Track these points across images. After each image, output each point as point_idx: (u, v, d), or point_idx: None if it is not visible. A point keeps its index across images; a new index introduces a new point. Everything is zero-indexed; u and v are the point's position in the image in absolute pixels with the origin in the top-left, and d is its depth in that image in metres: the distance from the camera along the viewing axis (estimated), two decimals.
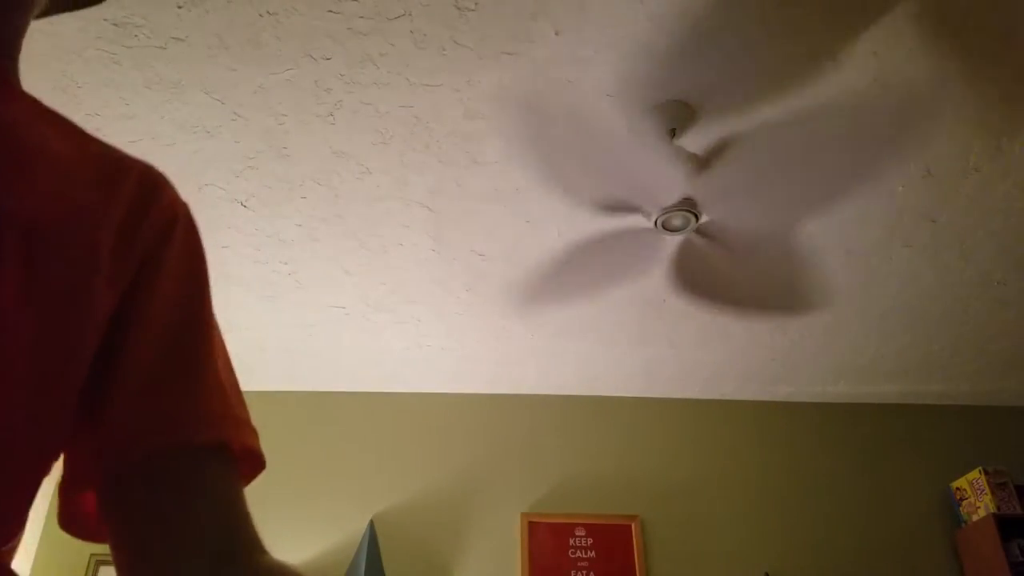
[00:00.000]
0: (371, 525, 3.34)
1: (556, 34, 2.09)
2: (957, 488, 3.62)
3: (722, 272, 2.97)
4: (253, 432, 0.54)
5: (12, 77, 0.54)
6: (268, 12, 2.02)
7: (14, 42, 0.56)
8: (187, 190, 2.61)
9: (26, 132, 0.49)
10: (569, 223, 2.74)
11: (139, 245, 0.51)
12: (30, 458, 0.44)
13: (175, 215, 0.54)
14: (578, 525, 3.50)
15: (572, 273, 2.99)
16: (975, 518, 3.47)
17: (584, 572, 3.40)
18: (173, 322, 0.52)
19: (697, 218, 2.65)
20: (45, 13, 0.57)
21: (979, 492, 3.50)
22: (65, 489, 0.49)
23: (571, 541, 3.46)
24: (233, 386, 0.55)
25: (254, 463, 0.54)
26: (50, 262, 0.45)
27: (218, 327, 0.56)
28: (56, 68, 2.15)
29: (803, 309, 3.23)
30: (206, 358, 0.53)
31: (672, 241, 2.78)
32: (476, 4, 2.01)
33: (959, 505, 3.60)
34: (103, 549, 3.26)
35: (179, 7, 2.00)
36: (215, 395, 0.52)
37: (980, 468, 3.51)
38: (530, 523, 3.47)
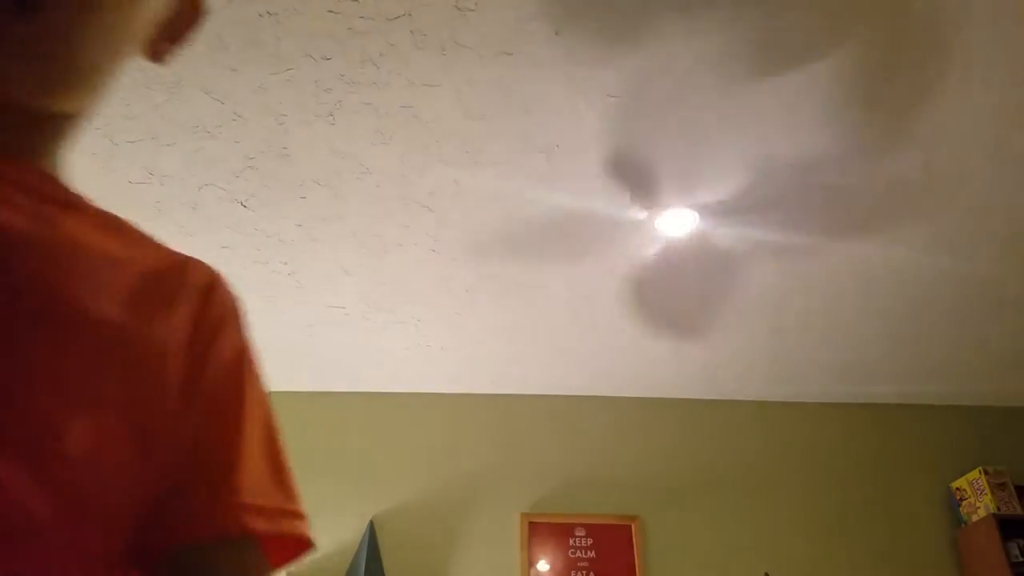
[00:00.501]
0: (371, 525, 3.34)
1: (556, 34, 2.08)
2: (957, 488, 3.62)
3: (718, 275, 2.97)
4: (290, 517, 0.54)
5: (67, 184, 0.55)
6: (268, 12, 2.02)
7: (65, 133, 0.55)
8: (187, 190, 2.62)
9: (90, 244, 0.50)
10: (569, 223, 2.74)
11: (201, 340, 0.53)
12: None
13: (226, 313, 0.56)
14: (578, 525, 3.50)
15: (573, 274, 3.00)
16: (975, 518, 3.47)
17: (584, 572, 3.40)
18: (206, 422, 0.53)
19: (694, 220, 2.65)
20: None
21: (979, 492, 3.50)
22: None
23: (571, 541, 3.46)
24: (273, 470, 0.55)
25: (295, 546, 0.55)
26: (125, 364, 0.47)
27: (264, 405, 0.57)
28: None
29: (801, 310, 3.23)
30: (240, 448, 0.54)
31: (672, 241, 2.78)
32: (476, 4, 2.01)
33: (959, 505, 3.60)
34: None
35: None
36: (241, 487, 0.53)
37: (980, 468, 3.51)
38: (530, 523, 3.47)
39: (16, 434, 0.41)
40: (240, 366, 0.56)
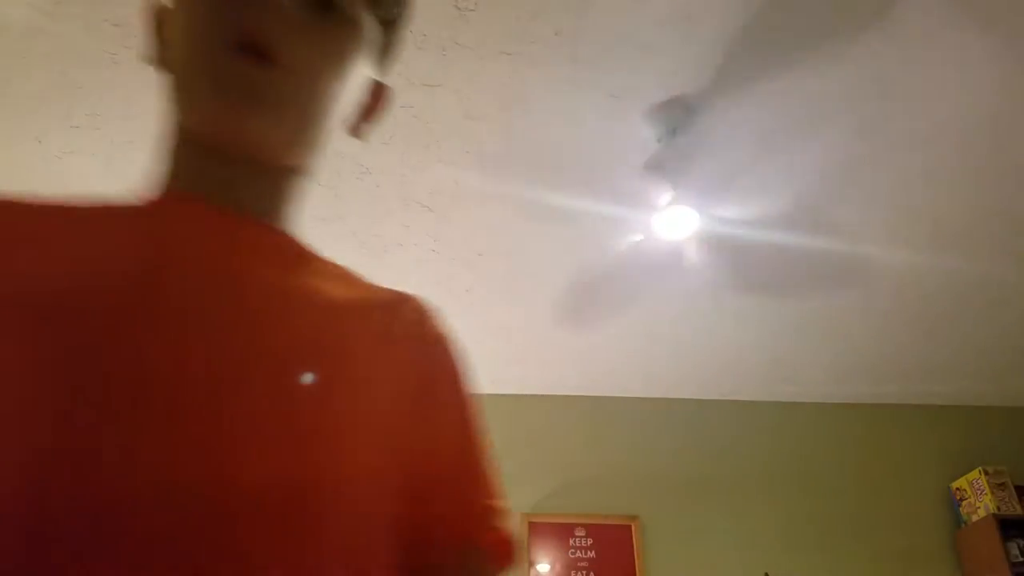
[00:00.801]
0: None
1: (556, 34, 2.09)
2: (957, 488, 3.62)
3: (718, 275, 2.98)
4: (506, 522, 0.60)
5: (303, 241, 0.62)
6: None
7: (293, 190, 0.63)
8: None
9: (331, 294, 0.58)
10: (569, 223, 2.74)
11: (422, 369, 0.59)
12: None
13: (442, 339, 0.63)
14: (578, 525, 3.50)
15: (572, 274, 3.00)
16: (975, 518, 3.47)
17: (584, 572, 3.41)
18: (459, 424, 0.61)
19: (695, 220, 2.65)
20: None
21: (979, 492, 3.50)
22: None
23: (571, 541, 3.46)
24: (494, 479, 0.62)
25: (511, 549, 0.60)
26: (376, 395, 0.55)
27: (479, 417, 0.63)
28: (57, 68, 2.15)
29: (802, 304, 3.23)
30: (479, 460, 0.62)
31: (672, 241, 2.78)
32: (476, 4, 2.01)
33: (959, 505, 3.60)
34: None
35: None
36: (490, 488, 0.61)
37: (980, 468, 3.51)
38: (530, 523, 3.47)
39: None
40: (460, 383, 0.63)
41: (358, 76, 0.62)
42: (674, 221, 2.65)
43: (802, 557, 3.46)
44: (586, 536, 3.48)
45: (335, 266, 0.62)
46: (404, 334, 0.60)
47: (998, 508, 3.40)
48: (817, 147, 2.45)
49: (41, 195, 0.55)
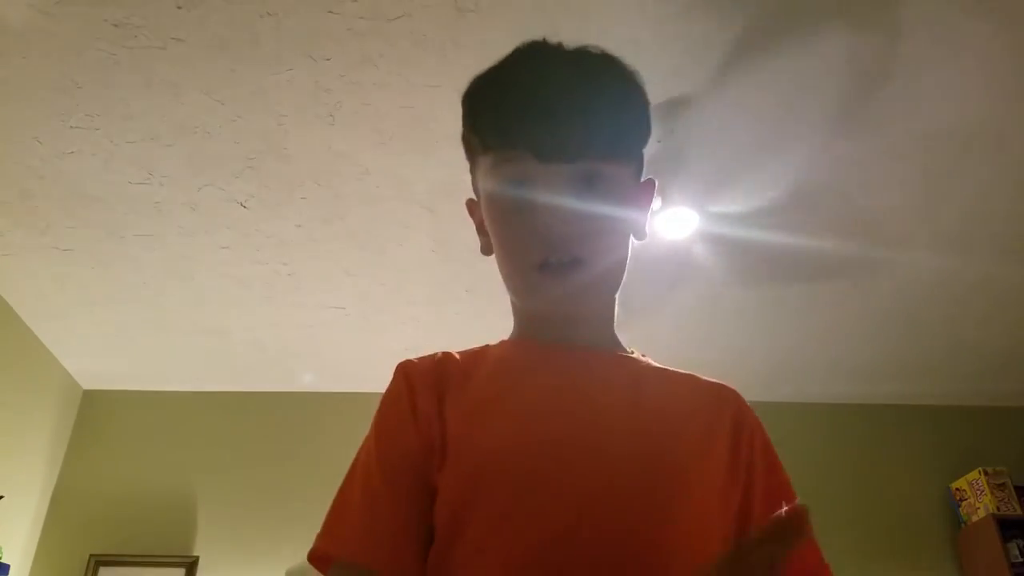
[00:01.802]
0: None
1: (556, 34, 2.08)
2: (957, 489, 3.62)
3: (718, 275, 2.98)
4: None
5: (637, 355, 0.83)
6: (268, 13, 2.02)
7: (612, 314, 0.82)
8: (187, 190, 2.62)
9: (666, 398, 0.75)
10: None
11: (743, 451, 0.75)
12: None
13: (755, 422, 0.79)
14: None
15: None
16: (975, 519, 3.47)
17: None
18: (783, 496, 0.74)
19: (694, 220, 2.65)
20: None
21: (979, 493, 3.49)
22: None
23: None
24: None
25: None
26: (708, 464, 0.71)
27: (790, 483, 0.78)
28: (56, 68, 2.15)
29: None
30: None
31: (672, 241, 2.78)
32: (476, 5, 2.01)
33: (959, 506, 3.60)
34: (103, 549, 3.26)
35: (179, 8, 2.00)
36: (818, 552, 0.76)
37: (980, 469, 3.51)
38: None
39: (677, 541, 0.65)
40: (774, 455, 0.78)
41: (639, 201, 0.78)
42: (673, 221, 2.65)
43: None
44: None
45: (664, 369, 0.81)
46: (729, 418, 0.76)
47: (998, 508, 3.39)
48: (816, 147, 2.45)
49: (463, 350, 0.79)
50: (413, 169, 2.50)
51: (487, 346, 0.82)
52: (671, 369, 0.81)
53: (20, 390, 3.21)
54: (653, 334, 3.40)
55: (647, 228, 0.81)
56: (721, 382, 0.81)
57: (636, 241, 0.80)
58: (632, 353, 0.82)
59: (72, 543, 3.29)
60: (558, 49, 0.78)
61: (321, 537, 0.71)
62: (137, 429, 3.59)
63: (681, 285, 3.03)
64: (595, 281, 0.74)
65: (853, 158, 2.50)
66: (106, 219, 2.68)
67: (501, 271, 0.79)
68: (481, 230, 0.84)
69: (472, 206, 0.87)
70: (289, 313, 3.18)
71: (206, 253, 2.84)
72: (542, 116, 0.72)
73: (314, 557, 0.70)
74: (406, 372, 0.75)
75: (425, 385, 0.72)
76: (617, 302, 0.82)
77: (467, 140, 0.83)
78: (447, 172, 2.51)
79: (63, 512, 3.40)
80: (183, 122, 2.32)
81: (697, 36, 2.11)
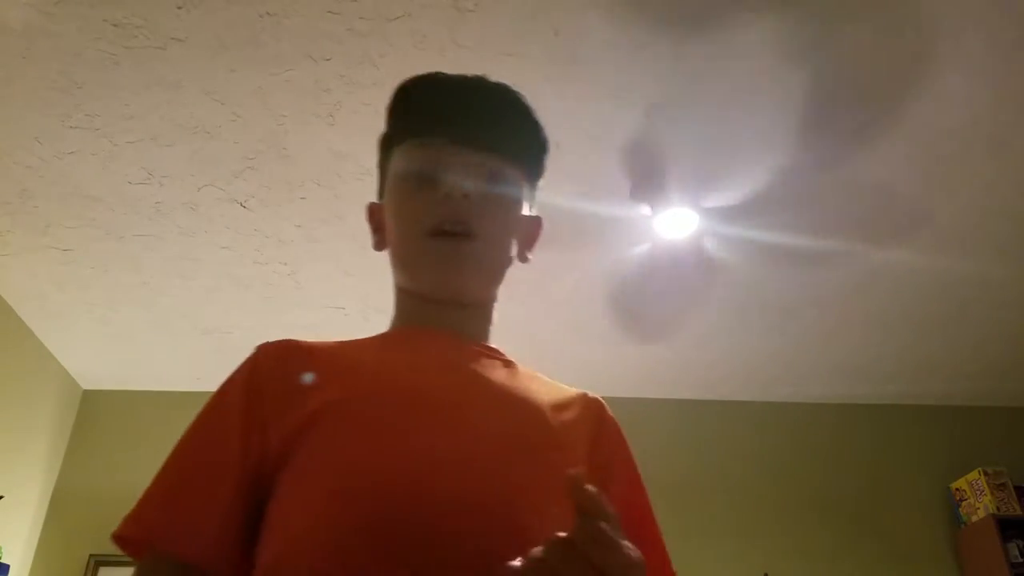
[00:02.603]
0: None
1: (555, 34, 2.09)
2: (957, 489, 3.62)
3: (718, 275, 2.98)
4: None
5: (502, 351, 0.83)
6: (268, 13, 2.02)
7: (488, 317, 0.86)
8: (187, 190, 2.61)
9: (534, 388, 0.78)
10: (568, 223, 2.74)
11: (602, 451, 0.78)
12: None
13: (616, 427, 0.83)
14: None
15: (571, 274, 3.00)
16: (975, 519, 3.47)
17: None
18: (633, 497, 0.81)
19: (694, 221, 2.65)
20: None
21: (979, 493, 3.50)
22: None
23: None
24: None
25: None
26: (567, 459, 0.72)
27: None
28: (56, 68, 2.15)
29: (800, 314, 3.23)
30: (657, 525, 0.81)
31: (672, 242, 2.78)
32: (476, 5, 2.01)
33: (959, 506, 3.60)
34: (103, 549, 3.26)
35: (179, 8, 2.00)
36: (665, 553, 0.82)
37: (979, 469, 3.51)
38: None
39: (535, 501, 0.66)
40: (632, 460, 0.83)
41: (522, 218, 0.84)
42: (673, 222, 2.65)
43: (801, 557, 3.46)
44: None
45: (530, 371, 0.82)
46: (586, 420, 0.79)
47: (998, 508, 3.40)
48: (816, 147, 2.45)
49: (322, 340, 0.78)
50: None
51: (363, 338, 0.83)
52: (537, 373, 0.84)
53: (20, 390, 3.21)
54: (652, 335, 3.40)
55: (530, 255, 0.87)
56: (585, 391, 0.84)
57: (518, 261, 0.85)
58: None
59: (72, 543, 3.29)
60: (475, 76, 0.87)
61: (126, 520, 0.69)
62: (137, 429, 3.58)
63: (680, 286, 3.03)
64: (481, 260, 0.78)
65: (853, 158, 2.49)
66: (106, 219, 2.68)
67: (393, 251, 0.82)
68: (378, 230, 0.87)
69: (373, 209, 0.89)
70: (289, 313, 3.18)
71: (206, 253, 2.84)
72: (461, 109, 0.82)
73: (118, 539, 0.69)
74: (254, 365, 0.75)
75: (270, 378, 0.72)
76: (495, 313, 0.86)
77: (386, 138, 0.87)
78: None
79: (63, 512, 3.40)
80: (183, 122, 2.32)
81: (701, 38, 2.11)
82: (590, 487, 0.52)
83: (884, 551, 3.51)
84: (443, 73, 0.87)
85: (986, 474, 3.49)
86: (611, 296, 3.11)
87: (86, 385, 3.67)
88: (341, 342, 0.79)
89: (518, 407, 0.74)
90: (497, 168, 0.80)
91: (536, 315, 3.24)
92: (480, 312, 0.84)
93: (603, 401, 0.84)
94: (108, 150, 2.41)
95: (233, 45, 2.10)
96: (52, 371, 3.45)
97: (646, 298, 3.13)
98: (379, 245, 0.87)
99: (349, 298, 3.07)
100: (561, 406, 0.78)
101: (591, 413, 0.81)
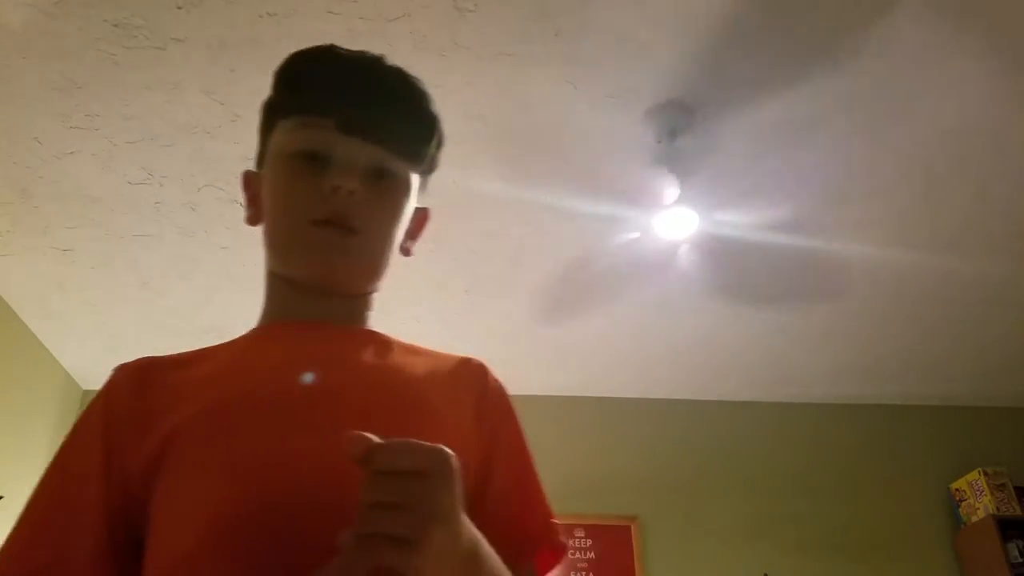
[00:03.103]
0: None
1: (556, 35, 2.09)
2: (956, 489, 3.62)
3: (718, 275, 2.98)
4: (560, 531, 0.79)
5: (380, 333, 0.83)
6: (268, 13, 2.02)
7: (369, 306, 0.85)
8: (187, 190, 2.61)
9: (410, 364, 0.78)
10: (569, 224, 2.74)
11: (487, 412, 0.78)
12: None
13: (498, 388, 0.82)
14: (577, 526, 3.49)
15: (572, 274, 3.00)
16: (974, 519, 3.47)
17: (584, 573, 3.40)
18: (517, 457, 0.80)
19: (694, 221, 2.65)
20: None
21: (978, 493, 3.50)
22: None
23: (570, 542, 3.46)
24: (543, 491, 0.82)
25: (560, 553, 0.79)
26: (446, 427, 0.71)
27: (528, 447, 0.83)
28: (56, 68, 2.15)
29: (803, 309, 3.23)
30: (538, 483, 0.82)
31: (671, 241, 2.78)
32: (476, 5, 2.01)
33: (958, 506, 3.60)
34: None
35: (179, 8, 2.00)
36: (545, 508, 0.80)
37: (979, 469, 3.51)
38: None
39: None
40: (515, 419, 0.81)
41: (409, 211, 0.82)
42: (674, 222, 2.65)
43: (801, 558, 3.46)
44: (585, 537, 3.48)
45: (411, 345, 0.82)
46: (469, 386, 0.79)
47: (997, 509, 3.40)
48: (816, 148, 2.45)
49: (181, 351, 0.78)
50: None
51: (229, 340, 0.80)
52: (419, 345, 0.83)
53: (19, 390, 3.21)
54: (653, 335, 3.40)
55: (412, 248, 0.86)
56: (470, 356, 0.83)
57: (400, 255, 0.84)
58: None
59: None
60: (379, 57, 0.83)
61: None
62: None
63: (682, 285, 3.03)
64: (362, 255, 0.77)
65: (852, 159, 2.50)
66: (106, 219, 2.68)
67: (270, 233, 0.79)
68: (252, 202, 0.83)
69: (249, 178, 0.84)
70: None
71: (206, 253, 2.84)
72: (355, 93, 0.77)
73: None
74: (109, 391, 0.73)
75: (126, 404, 0.71)
76: (374, 306, 0.85)
77: (271, 105, 0.82)
78: (446, 172, 2.50)
79: None
80: (183, 122, 2.32)
81: (702, 38, 2.11)
82: (360, 445, 0.52)
83: (884, 551, 3.51)
84: (340, 48, 0.81)
85: (986, 474, 3.49)
86: (610, 297, 3.11)
87: (86, 385, 3.67)
88: (203, 350, 0.77)
89: (386, 391, 0.73)
90: (387, 162, 0.78)
91: (534, 315, 3.24)
92: (358, 301, 0.82)
93: (486, 365, 0.82)
94: (108, 150, 2.41)
95: (233, 45, 2.10)
96: (52, 371, 3.45)
97: (645, 298, 3.13)
98: (252, 220, 0.83)
99: None
100: (439, 377, 0.77)
101: (474, 380, 0.80)
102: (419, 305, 3.14)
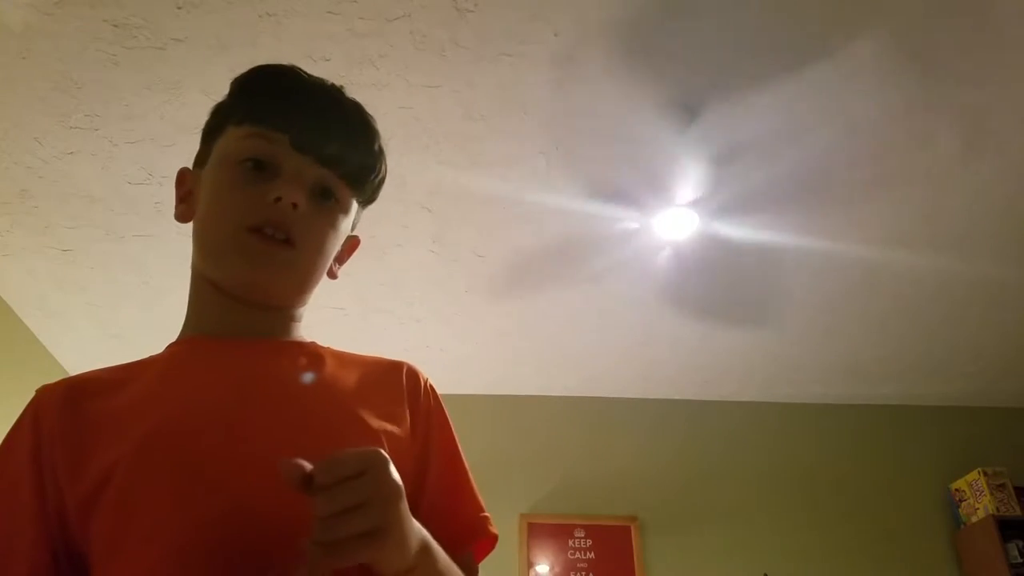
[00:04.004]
0: None
1: (555, 35, 2.09)
2: (956, 489, 3.62)
3: (718, 275, 2.98)
4: (490, 522, 0.82)
5: (311, 343, 0.85)
6: (267, 13, 2.02)
7: (296, 320, 0.86)
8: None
9: (340, 375, 0.80)
10: (569, 224, 2.74)
11: (421, 415, 0.81)
12: None
13: (430, 391, 0.85)
14: (577, 526, 3.50)
15: (573, 275, 3.00)
16: (974, 519, 3.47)
17: (583, 573, 3.41)
18: (450, 456, 0.82)
19: (694, 221, 2.66)
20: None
21: (978, 493, 3.50)
22: None
23: (570, 542, 3.46)
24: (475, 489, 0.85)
25: (491, 542, 0.82)
26: (392, 432, 0.76)
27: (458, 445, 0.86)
28: (56, 69, 2.15)
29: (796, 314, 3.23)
30: (468, 479, 0.84)
31: (672, 242, 2.78)
32: (475, 5, 2.01)
33: (958, 506, 3.60)
34: None
35: (179, 8, 2.00)
36: (477, 502, 0.82)
37: (979, 469, 3.51)
38: (529, 524, 3.47)
39: None
40: (446, 420, 0.84)
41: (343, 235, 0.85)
42: (674, 223, 2.66)
43: (801, 558, 3.46)
44: (585, 537, 3.48)
45: (344, 353, 0.84)
46: (406, 391, 0.81)
47: (997, 509, 3.40)
48: (816, 148, 2.45)
49: (106, 367, 0.79)
50: (412, 169, 2.50)
51: (152, 355, 0.82)
52: (350, 352, 0.85)
53: (19, 391, 3.20)
54: (652, 335, 3.40)
55: (338, 272, 0.89)
56: (401, 360, 0.86)
57: (327, 277, 0.85)
58: (312, 343, 0.85)
59: None
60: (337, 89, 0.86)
61: None
62: None
63: (681, 285, 3.03)
64: (294, 268, 0.78)
65: (852, 159, 2.50)
66: (106, 219, 2.68)
67: (203, 233, 0.79)
68: (185, 199, 0.85)
69: (184, 174, 0.88)
70: None
71: None
72: (312, 115, 0.80)
73: None
74: (36, 417, 0.73)
75: (55, 434, 0.70)
76: (302, 318, 0.86)
77: (224, 109, 0.85)
78: (446, 173, 2.51)
79: None
80: (183, 122, 2.32)
81: (703, 40, 2.11)
82: (296, 472, 0.55)
83: (884, 551, 3.51)
84: (303, 71, 0.85)
85: (986, 474, 3.49)
86: (610, 298, 3.11)
87: None
88: (126, 366, 0.79)
89: (317, 410, 0.74)
90: (332, 186, 0.80)
91: (534, 315, 3.24)
92: (285, 314, 0.83)
93: (417, 369, 0.85)
94: (108, 150, 2.41)
95: (233, 45, 2.10)
96: (51, 372, 3.45)
97: (644, 299, 3.13)
98: (183, 216, 0.85)
99: (348, 298, 3.07)
100: (371, 387, 0.79)
101: (405, 385, 0.82)
102: (419, 305, 3.14)
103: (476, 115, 2.30)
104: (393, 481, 0.58)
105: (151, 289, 3.04)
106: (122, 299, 3.09)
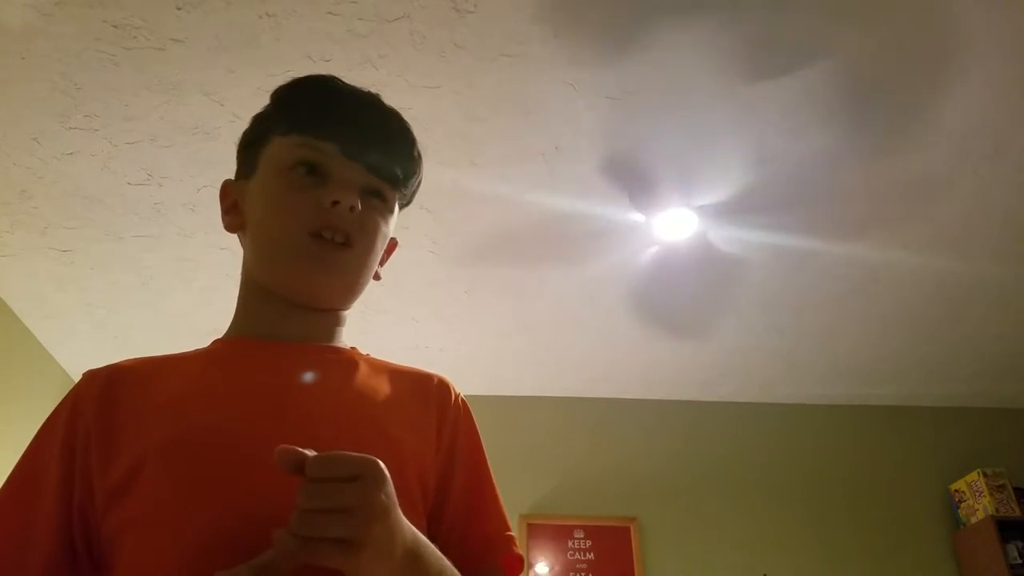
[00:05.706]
0: None
1: (555, 36, 2.09)
2: (956, 490, 3.63)
3: (718, 276, 2.98)
4: (515, 542, 0.82)
5: (352, 351, 0.86)
6: (267, 14, 2.02)
7: (342, 324, 0.87)
8: (186, 191, 2.61)
9: (375, 384, 0.81)
10: (568, 224, 2.74)
11: (447, 428, 0.82)
12: None
13: (461, 405, 0.86)
14: (577, 527, 3.50)
15: (573, 275, 3.00)
16: (974, 520, 3.47)
17: (583, 573, 3.41)
18: (476, 472, 0.83)
19: (694, 223, 2.66)
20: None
21: (977, 494, 3.50)
22: None
23: (570, 543, 3.46)
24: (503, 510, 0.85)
25: (519, 564, 0.81)
26: (414, 446, 0.77)
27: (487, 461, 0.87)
28: (56, 69, 2.15)
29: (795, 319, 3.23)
30: (496, 497, 0.84)
31: (671, 243, 2.78)
32: (475, 6, 2.01)
33: (958, 507, 3.60)
34: None
35: (178, 9, 2.00)
36: (503, 519, 0.83)
37: (978, 470, 3.51)
38: (529, 525, 3.47)
39: None
40: (475, 436, 0.86)
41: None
42: (674, 223, 2.66)
43: (800, 558, 3.46)
44: (585, 537, 3.48)
45: (378, 363, 0.86)
46: (435, 405, 0.82)
47: (996, 510, 3.40)
48: (816, 148, 2.45)
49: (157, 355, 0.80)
50: None
51: (196, 349, 0.84)
52: (386, 361, 0.87)
53: (18, 392, 3.21)
54: (652, 335, 3.40)
55: (380, 273, 0.90)
56: (433, 372, 0.87)
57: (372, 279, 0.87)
58: (352, 349, 0.87)
59: None
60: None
61: None
62: None
63: (680, 286, 3.03)
64: (352, 270, 0.80)
65: (853, 159, 2.50)
66: (106, 219, 2.68)
67: (259, 240, 0.82)
68: (231, 211, 0.89)
69: (228, 186, 0.91)
70: None
71: (205, 254, 2.84)
72: (358, 124, 0.83)
73: None
74: (76, 401, 0.74)
75: (92, 417, 0.72)
76: (347, 320, 0.87)
77: (267, 120, 0.87)
78: (446, 173, 2.51)
79: None
80: (183, 122, 2.32)
81: (703, 40, 2.11)
82: (291, 457, 0.56)
83: (884, 552, 3.51)
84: (342, 81, 0.88)
85: (985, 475, 3.49)
86: (610, 298, 3.11)
87: None
88: (169, 358, 0.80)
89: (347, 420, 0.75)
90: (382, 190, 0.83)
91: (534, 316, 3.24)
92: (332, 318, 0.85)
93: (448, 382, 0.86)
94: (108, 151, 2.41)
95: (233, 45, 2.10)
96: (51, 372, 3.45)
97: (645, 300, 3.13)
98: (231, 227, 0.89)
99: None
100: (401, 399, 0.80)
101: (435, 399, 0.83)
102: (418, 305, 3.14)
103: (476, 116, 2.30)
104: (381, 498, 0.58)
105: (151, 290, 3.04)
106: (122, 299, 3.09)
